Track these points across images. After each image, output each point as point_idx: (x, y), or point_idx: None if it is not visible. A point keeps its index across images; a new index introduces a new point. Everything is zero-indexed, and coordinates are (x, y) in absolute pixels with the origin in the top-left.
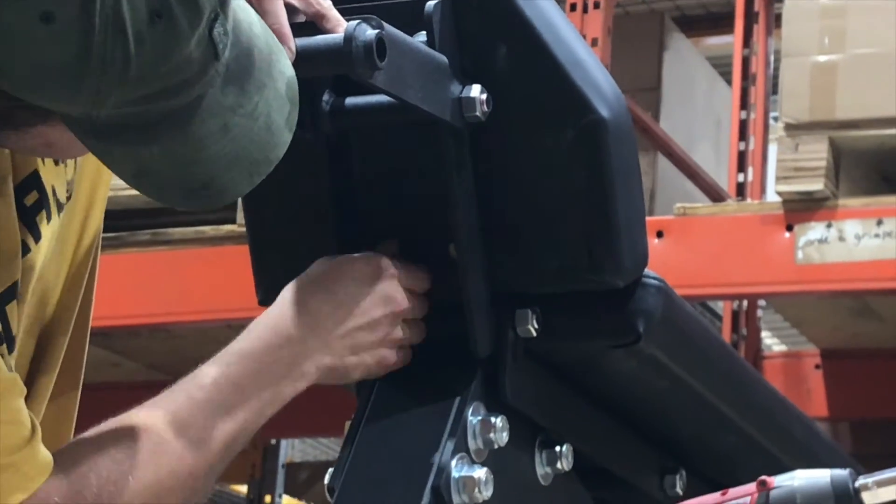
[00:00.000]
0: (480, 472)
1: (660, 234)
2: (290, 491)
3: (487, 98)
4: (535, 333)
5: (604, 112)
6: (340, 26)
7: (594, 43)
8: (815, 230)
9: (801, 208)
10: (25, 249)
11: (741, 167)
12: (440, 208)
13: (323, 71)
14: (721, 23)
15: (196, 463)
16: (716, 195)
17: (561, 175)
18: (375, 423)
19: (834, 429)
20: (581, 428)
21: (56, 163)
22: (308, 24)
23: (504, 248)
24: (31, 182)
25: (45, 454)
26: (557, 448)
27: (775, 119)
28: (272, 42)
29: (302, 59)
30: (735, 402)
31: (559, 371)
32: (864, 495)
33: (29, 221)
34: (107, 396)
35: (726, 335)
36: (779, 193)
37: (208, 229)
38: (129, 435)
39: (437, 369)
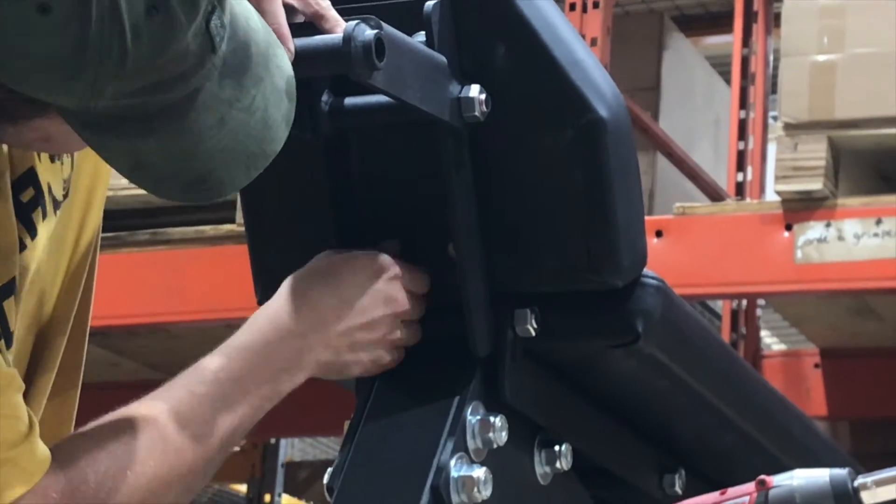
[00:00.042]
0: (479, 472)
1: (659, 234)
2: (289, 490)
3: (486, 98)
4: (534, 333)
5: (603, 112)
6: (339, 26)
7: (593, 42)
8: (814, 229)
9: (800, 208)
10: (22, 246)
11: (740, 167)
12: (439, 208)
13: (322, 71)
14: (720, 22)
15: (196, 458)
16: (715, 195)
17: (560, 175)
18: (375, 422)
19: (833, 428)
20: (580, 427)
21: (52, 161)
22: (307, 25)
23: (503, 247)
24: (28, 179)
25: (43, 449)
26: (556, 447)
27: (774, 118)
28: (270, 37)
29: (301, 60)
30: (734, 402)
31: (558, 370)
32: (863, 495)
33: (25, 218)
34: (105, 396)
35: (725, 334)
36: (778, 193)
37: (207, 229)
38: (128, 430)
39: (437, 369)
